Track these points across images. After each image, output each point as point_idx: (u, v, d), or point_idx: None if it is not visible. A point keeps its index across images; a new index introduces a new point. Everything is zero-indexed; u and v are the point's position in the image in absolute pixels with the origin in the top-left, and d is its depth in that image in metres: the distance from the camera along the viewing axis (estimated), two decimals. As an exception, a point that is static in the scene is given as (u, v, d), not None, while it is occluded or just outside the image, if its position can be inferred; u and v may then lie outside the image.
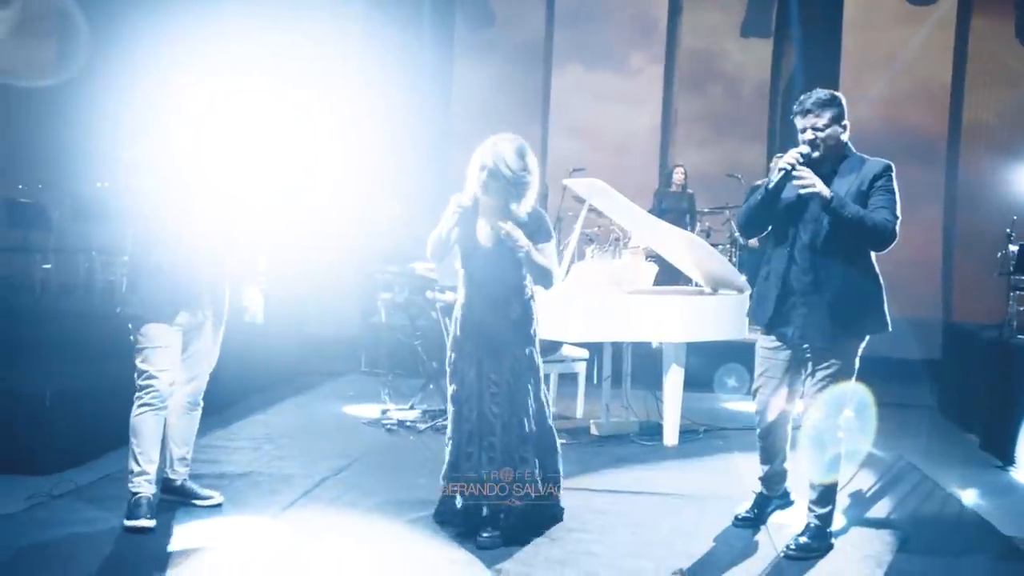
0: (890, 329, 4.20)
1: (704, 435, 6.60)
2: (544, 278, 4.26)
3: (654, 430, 6.48)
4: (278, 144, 10.15)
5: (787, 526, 4.47)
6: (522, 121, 12.82)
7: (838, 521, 4.61)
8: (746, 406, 4.50)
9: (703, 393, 8.04)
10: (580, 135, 13.30)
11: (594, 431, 6.57)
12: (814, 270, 4.09)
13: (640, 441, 6.38)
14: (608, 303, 6.13)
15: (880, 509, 5.00)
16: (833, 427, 4.15)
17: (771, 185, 4.11)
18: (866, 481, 5.53)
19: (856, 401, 4.38)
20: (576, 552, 4.11)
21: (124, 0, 9.97)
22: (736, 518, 4.58)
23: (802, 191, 3.99)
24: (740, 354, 7.61)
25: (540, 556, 4.05)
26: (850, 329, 4.10)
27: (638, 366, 7.09)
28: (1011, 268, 8.83)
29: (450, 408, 4.36)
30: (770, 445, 4.44)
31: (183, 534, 4.22)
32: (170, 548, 4.03)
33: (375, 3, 12.35)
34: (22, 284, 9.34)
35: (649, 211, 10.60)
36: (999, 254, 9.67)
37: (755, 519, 4.57)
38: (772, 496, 4.59)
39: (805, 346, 4.18)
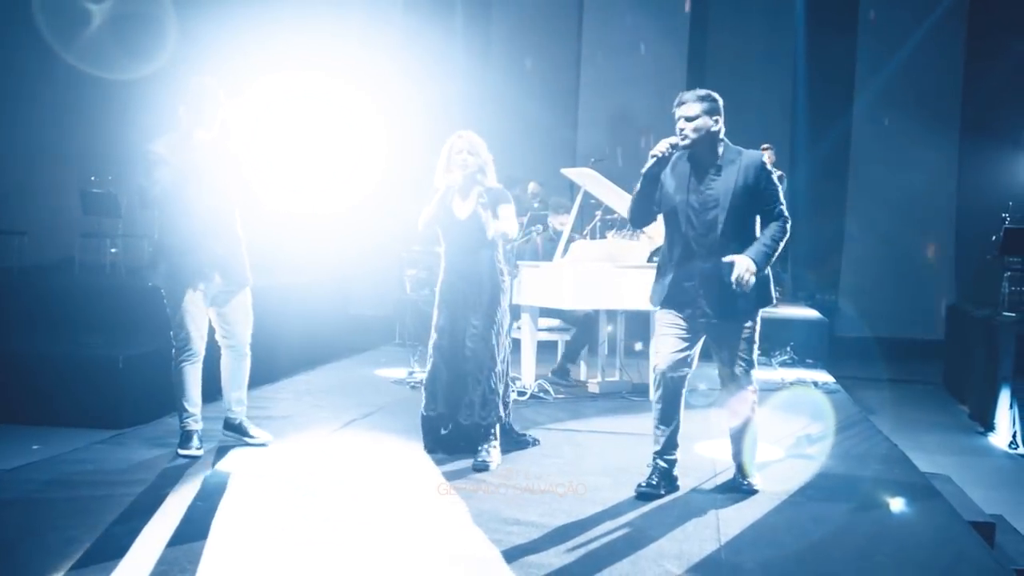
0: (775, 304, 4.90)
1: (689, 394, 7.38)
2: (511, 228, 5.31)
3: (645, 390, 7.32)
4: (322, 139, 11.12)
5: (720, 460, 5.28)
6: (552, 115, 13.56)
7: (775, 453, 5.49)
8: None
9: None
10: (608, 125, 14.02)
11: (591, 389, 7.51)
12: (709, 257, 4.50)
13: (630, 397, 7.28)
14: (597, 274, 6.99)
15: (816, 448, 5.83)
16: (746, 394, 4.72)
17: (644, 170, 4.60)
18: (815, 427, 6.39)
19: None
20: (549, 471, 5.05)
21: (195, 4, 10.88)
22: (639, 487, 4.69)
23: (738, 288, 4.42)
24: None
25: (520, 473, 5.01)
26: (746, 305, 4.59)
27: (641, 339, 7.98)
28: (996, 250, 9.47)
29: (430, 354, 5.33)
30: (667, 406, 4.78)
31: (230, 457, 5.22)
32: (217, 466, 5.02)
33: (413, 8, 13.30)
34: (94, 265, 10.41)
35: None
36: (993, 237, 10.18)
37: (656, 487, 4.69)
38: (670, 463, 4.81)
39: (702, 320, 4.59)
